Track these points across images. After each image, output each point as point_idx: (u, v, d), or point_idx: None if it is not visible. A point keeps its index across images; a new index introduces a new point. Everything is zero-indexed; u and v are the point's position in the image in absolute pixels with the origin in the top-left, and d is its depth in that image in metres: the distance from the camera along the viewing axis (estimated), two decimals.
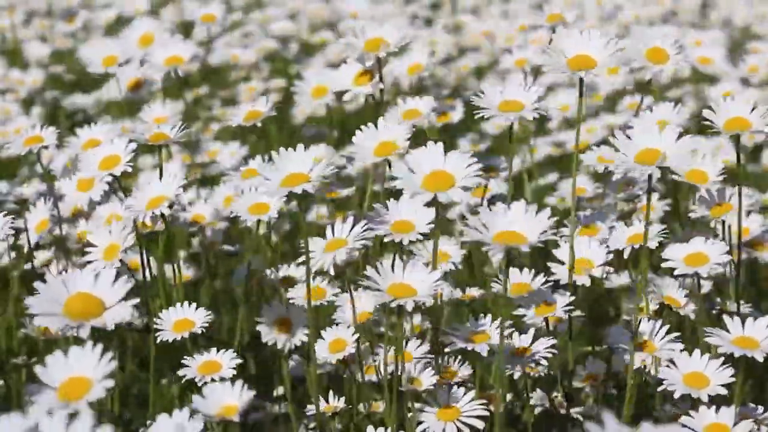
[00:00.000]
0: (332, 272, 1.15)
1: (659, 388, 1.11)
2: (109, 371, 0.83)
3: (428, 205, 1.10)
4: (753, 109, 1.18)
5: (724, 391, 1.08)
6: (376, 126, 1.20)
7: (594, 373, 1.32)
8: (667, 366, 1.11)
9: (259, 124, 1.36)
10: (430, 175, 1.08)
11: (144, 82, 1.61)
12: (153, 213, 1.22)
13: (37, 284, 0.90)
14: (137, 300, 0.89)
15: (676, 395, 1.09)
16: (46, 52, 3.05)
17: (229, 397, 1.02)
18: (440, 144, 1.09)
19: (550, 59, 1.18)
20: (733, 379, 1.09)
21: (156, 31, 1.62)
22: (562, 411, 1.29)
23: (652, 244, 1.25)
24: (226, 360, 1.19)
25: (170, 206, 1.23)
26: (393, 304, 1.03)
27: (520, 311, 1.21)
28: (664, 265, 1.20)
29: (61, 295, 0.89)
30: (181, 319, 1.22)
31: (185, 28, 3.19)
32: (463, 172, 1.07)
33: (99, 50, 1.62)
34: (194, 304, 1.23)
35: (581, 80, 1.18)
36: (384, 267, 1.05)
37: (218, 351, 1.20)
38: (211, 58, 2.92)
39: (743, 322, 1.08)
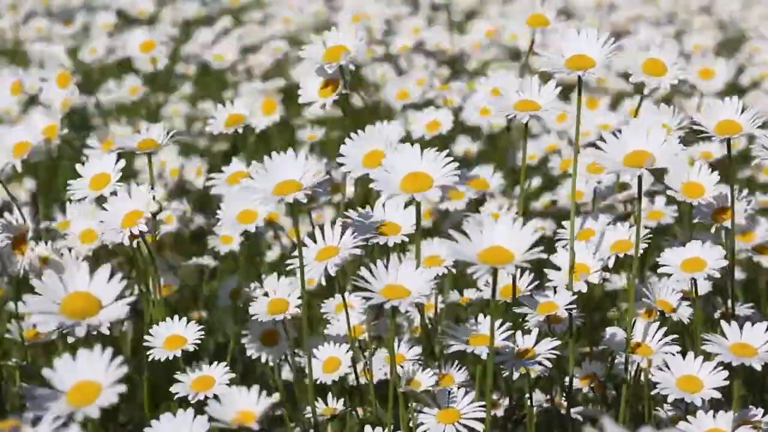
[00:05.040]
0: (324, 283, 1.13)
1: (653, 392, 1.10)
2: (119, 375, 0.83)
3: (407, 205, 1.11)
4: (742, 112, 1.17)
5: (717, 395, 1.07)
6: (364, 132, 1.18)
7: (591, 373, 1.31)
8: (660, 369, 1.10)
9: (240, 130, 1.33)
10: (408, 176, 1.07)
11: None
12: (131, 232, 1.18)
13: (34, 283, 0.89)
14: (134, 298, 0.88)
15: (669, 399, 1.08)
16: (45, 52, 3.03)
17: (246, 403, 0.98)
18: (417, 146, 1.09)
19: (548, 60, 1.18)
20: (727, 383, 1.07)
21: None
22: (562, 411, 1.29)
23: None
24: (219, 375, 1.17)
25: (146, 223, 1.18)
26: (387, 306, 1.02)
27: (523, 310, 1.20)
28: (660, 270, 1.19)
29: (58, 293, 0.89)
30: (172, 335, 1.19)
31: (185, 27, 3.19)
32: (441, 172, 1.07)
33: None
34: (184, 319, 1.20)
35: (580, 79, 1.17)
36: (377, 268, 1.05)
37: (210, 364, 1.18)
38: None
39: (741, 327, 1.06)
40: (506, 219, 0.94)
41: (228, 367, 1.17)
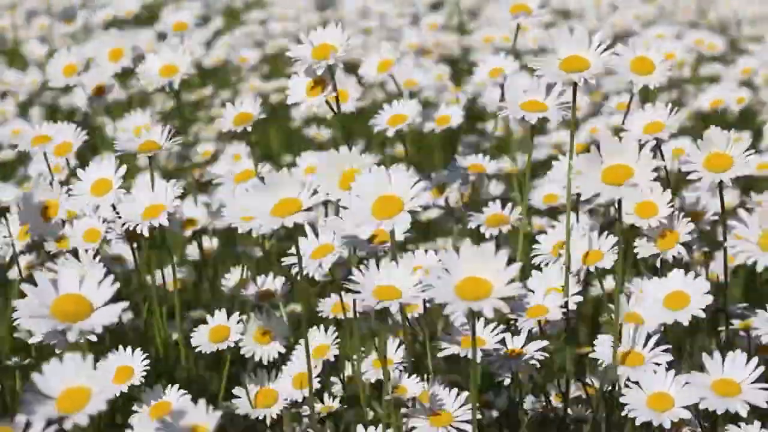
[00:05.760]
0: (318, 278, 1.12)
1: (623, 413, 1.01)
2: (107, 380, 0.82)
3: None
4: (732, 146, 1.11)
5: (687, 415, 0.99)
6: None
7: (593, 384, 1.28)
8: (628, 386, 1.02)
9: (249, 128, 1.32)
10: (378, 201, 1.02)
11: (106, 87, 1.55)
12: (150, 223, 1.18)
13: (25, 286, 0.88)
14: (126, 303, 0.86)
15: (637, 422, 1.00)
16: (44, 52, 3.03)
17: (198, 417, 0.92)
18: (382, 167, 1.04)
19: (542, 62, 1.13)
20: (698, 400, 0.98)
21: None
22: (558, 414, 1.28)
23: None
24: (174, 398, 1.13)
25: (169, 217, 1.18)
26: (377, 307, 1.01)
27: (512, 316, 1.18)
28: (643, 317, 1.11)
29: (49, 296, 0.87)
30: (122, 366, 1.15)
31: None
32: (410, 194, 1.01)
33: (59, 61, 1.55)
34: (129, 348, 1.17)
35: (575, 84, 1.13)
36: (369, 269, 1.04)
37: (164, 389, 1.14)
38: (206, 59, 2.92)
39: (723, 358, 0.99)
40: (478, 249, 0.88)
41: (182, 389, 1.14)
